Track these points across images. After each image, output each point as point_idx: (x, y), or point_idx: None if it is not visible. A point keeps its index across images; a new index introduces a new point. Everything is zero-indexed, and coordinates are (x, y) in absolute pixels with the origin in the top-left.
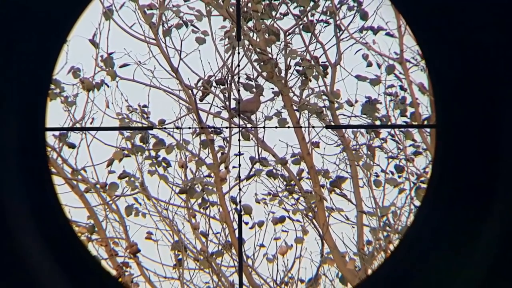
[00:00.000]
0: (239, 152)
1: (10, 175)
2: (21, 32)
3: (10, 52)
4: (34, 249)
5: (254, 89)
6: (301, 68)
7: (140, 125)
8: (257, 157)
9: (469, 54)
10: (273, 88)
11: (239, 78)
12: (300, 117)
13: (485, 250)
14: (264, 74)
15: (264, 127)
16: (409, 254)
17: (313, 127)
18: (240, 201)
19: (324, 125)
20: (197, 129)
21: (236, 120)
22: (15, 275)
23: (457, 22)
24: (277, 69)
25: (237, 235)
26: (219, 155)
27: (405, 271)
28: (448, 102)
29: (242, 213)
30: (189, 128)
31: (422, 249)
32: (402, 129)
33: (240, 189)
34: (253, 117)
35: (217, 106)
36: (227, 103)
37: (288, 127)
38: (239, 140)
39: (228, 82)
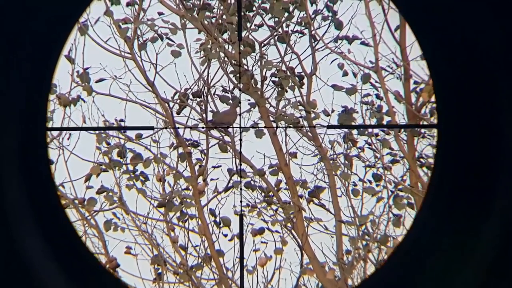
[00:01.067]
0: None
1: (10, 175)
2: (21, 32)
3: (10, 52)
4: (34, 249)
5: (230, 101)
6: (277, 79)
7: (117, 139)
8: (234, 168)
9: (470, 53)
10: (249, 100)
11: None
12: (276, 128)
13: (485, 251)
14: (240, 85)
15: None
16: (408, 255)
17: (314, 127)
18: (240, 201)
19: (326, 125)
20: (174, 142)
21: (213, 132)
22: (15, 275)
23: (458, 22)
24: (253, 80)
25: (217, 247)
26: (196, 168)
27: (404, 272)
28: (449, 102)
29: (243, 215)
30: (195, 128)
31: (422, 249)
32: (379, 138)
33: (239, 195)
34: (230, 129)
35: (194, 119)
36: (204, 115)
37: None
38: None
39: (205, 94)
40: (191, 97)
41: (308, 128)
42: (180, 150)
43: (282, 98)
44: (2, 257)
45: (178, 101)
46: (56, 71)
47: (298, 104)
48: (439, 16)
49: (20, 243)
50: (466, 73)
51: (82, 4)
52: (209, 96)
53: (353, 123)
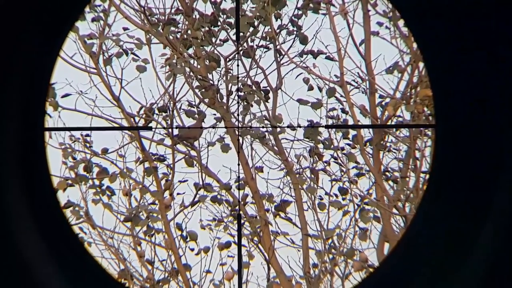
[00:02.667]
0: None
1: (9, 175)
2: (21, 31)
3: (10, 51)
4: (33, 249)
5: (196, 116)
6: (242, 94)
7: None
8: (201, 183)
9: (469, 53)
10: (215, 114)
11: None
12: (243, 142)
13: (485, 250)
14: (206, 100)
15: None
16: (407, 255)
17: (317, 126)
18: (239, 200)
19: (324, 125)
20: (140, 158)
21: (179, 147)
22: (14, 275)
23: (456, 22)
24: (218, 95)
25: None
26: (163, 182)
27: (404, 270)
28: (447, 102)
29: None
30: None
31: (421, 249)
32: (345, 152)
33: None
34: (195, 143)
35: (160, 134)
36: (170, 130)
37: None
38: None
39: (171, 109)
40: (156, 111)
41: (274, 143)
42: (146, 164)
43: (248, 113)
44: (1, 257)
45: (144, 115)
46: (54, 71)
47: (264, 118)
48: (438, 16)
49: (18, 243)
50: (464, 72)
51: (80, 4)
52: (175, 111)
53: (296, 147)
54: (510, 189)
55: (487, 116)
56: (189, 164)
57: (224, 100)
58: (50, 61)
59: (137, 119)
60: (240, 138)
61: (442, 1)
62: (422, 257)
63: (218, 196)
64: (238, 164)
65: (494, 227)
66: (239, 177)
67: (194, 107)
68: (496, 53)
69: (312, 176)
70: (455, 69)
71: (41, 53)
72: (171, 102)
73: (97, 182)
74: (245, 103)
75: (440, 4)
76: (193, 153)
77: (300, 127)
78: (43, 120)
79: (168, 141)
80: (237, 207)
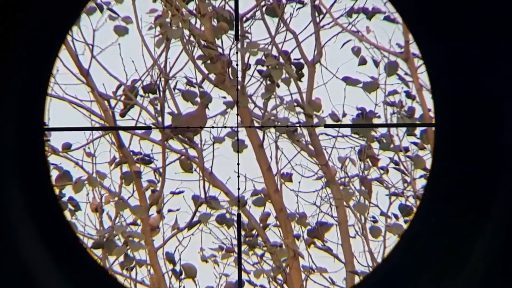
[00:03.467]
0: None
1: (8, 175)
2: (20, 31)
3: (9, 51)
4: (33, 249)
5: (197, 99)
6: (264, 69)
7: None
8: (203, 196)
9: (468, 52)
10: (224, 97)
11: (176, 83)
12: (264, 138)
13: (485, 251)
14: (212, 77)
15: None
16: (407, 255)
17: (316, 126)
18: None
19: (324, 124)
20: (117, 158)
21: (173, 143)
22: (12, 275)
23: (456, 21)
24: (230, 70)
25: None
26: (148, 193)
27: (403, 272)
28: (447, 101)
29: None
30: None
31: (421, 249)
32: (410, 155)
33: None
34: (196, 138)
35: (145, 124)
36: (159, 119)
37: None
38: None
39: (161, 89)
40: (141, 92)
41: (308, 140)
42: (125, 168)
43: (272, 96)
44: (0, 257)
45: (123, 97)
46: (53, 71)
47: (295, 104)
48: (437, 16)
49: (17, 243)
50: (464, 72)
51: (80, 2)
52: (167, 92)
53: (340, 146)
54: (510, 189)
55: (487, 116)
56: (186, 168)
57: (238, 78)
58: (49, 61)
59: (112, 102)
60: (260, 133)
61: (443, 1)
62: (422, 257)
63: (227, 215)
64: (238, 164)
65: (495, 227)
66: (239, 177)
67: (194, 87)
68: (496, 53)
69: (363, 188)
70: (455, 69)
71: (40, 53)
72: (162, 79)
73: (56, 191)
74: (269, 83)
75: (441, 4)
76: (192, 152)
77: (297, 125)
78: (43, 120)
79: (156, 135)
80: (254, 232)
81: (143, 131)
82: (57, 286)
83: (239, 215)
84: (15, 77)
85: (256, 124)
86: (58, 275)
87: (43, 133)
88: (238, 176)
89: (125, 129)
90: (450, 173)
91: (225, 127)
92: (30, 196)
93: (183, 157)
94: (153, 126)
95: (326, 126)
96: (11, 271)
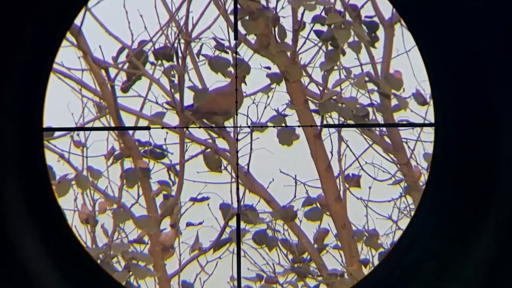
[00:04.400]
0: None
1: (8, 175)
2: (19, 31)
3: (8, 51)
4: (32, 249)
5: (230, 69)
6: (324, 29)
7: None
8: (235, 205)
9: (469, 52)
10: (269, 68)
11: (201, 47)
12: (321, 128)
13: (485, 251)
14: (252, 39)
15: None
16: (407, 255)
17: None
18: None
19: (322, 124)
20: (116, 149)
21: (194, 130)
22: (12, 275)
23: (456, 21)
24: (277, 29)
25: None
26: (159, 200)
27: (403, 272)
28: (447, 101)
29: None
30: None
31: (420, 250)
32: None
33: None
34: (227, 124)
35: (157, 103)
36: (177, 96)
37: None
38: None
39: (180, 54)
40: (152, 59)
41: (384, 130)
42: (128, 163)
43: (335, 67)
44: None
45: (127, 66)
46: (52, 71)
47: (367, 79)
48: (437, 15)
49: (17, 243)
50: (464, 71)
51: (77, 4)
52: (188, 59)
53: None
54: (510, 189)
55: (487, 116)
56: (213, 166)
57: (288, 41)
58: (48, 61)
59: (112, 72)
60: (317, 118)
61: (442, 1)
62: (422, 257)
63: (269, 232)
64: (237, 164)
65: (495, 226)
66: (237, 181)
67: (227, 52)
68: (496, 53)
69: None
70: (455, 69)
71: (39, 53)
72: (182, 41)
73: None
74: (330, 48)
75: (440, 5)
76: (221, 144)
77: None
78: (41, 120)
79: (172, 119)
80: (306, 255)
81: (152, 113)
82: (57, 286)
83: (238, 215)
84: (15, 77)
85: (311, 107)
86: (57, 275)
87: (42, 133)
88: (237, 187)
89: (122, 129)
90: (450, 173)
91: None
92: (29, 196)
93: (209, 150)
94: (169, 108)
95: (326, 126)
96: (11, 271)
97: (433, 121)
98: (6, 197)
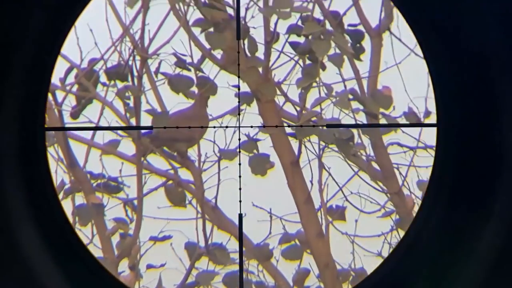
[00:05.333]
0: None
1: (9, 175)
2: (20, 31)
3: (9, 51)
4: (33, 248)
5: (194, 89)
6: (301, 41)
7: None
8: (202, 243)
9: (470, 52)
10: (238, 87)
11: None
12: (300, 150)
13: (486, 251)
14: (218, 53)
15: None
16: (408, 255)
17: (317, 125)
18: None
19: (326, 124)
20: (66, 183)
21: (153, 160)
22: (13, 274)
23: (457, 21)
24: (246, 42)
25: None
26: (115, 239)
27: (404, 272)
28: (449, 101)
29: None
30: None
31: (422, 249)
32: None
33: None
34: (192, 151)
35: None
36: (133, 120)
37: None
38: None
39: (136, 73)
40: (103, 79)
41: (371, 154)
42: (79, 198)
43: (315, 83)
44: (1, 256)
45: (76, 88)
46: (54, 71)
47: (350, 97)
48: (439, 16)
49: (18, 242)
50: (466, 72)
51: (80, 2)
52: (145, 78)
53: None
54: (511, 189)
55: (487, 116)
56: (176, 200)
57: (260, 54)
58: (50, 60)
59: (59, 96)
60: (295, 143)
61: (443, 1)
62: (423, 258)
63: (243, 275)
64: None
65: (496, 227)
66: (240, 185)
67: (189, 70)
68: (498, 53)
69: None
70: (456, 69)
71: (40, 53)
72: (137, 58)
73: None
74: (308, 63)
75: (442, 4)
76: (185, 174)
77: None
78: (43, 120)
79: (127, 147)
80: None
81: (105, 142)
82: (57, 285)
83: (240, 216)
84: (15, 77)
85: (286, 130)
86: (58, 275)
87: (43, 132)
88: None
89: (122, 128)
90: (452, 173)
91: (226, 127)
92: (30, 196)
93: (171, 181)
94: (124, 135)
95: (328, 126)
96: (12, 271)
97: (428, 143)
98: (7, 196)
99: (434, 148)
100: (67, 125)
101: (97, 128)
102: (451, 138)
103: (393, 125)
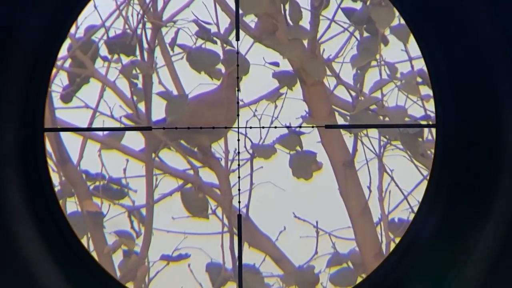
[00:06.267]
0: None
1: (8, 175)
2: (20, 32)
3: (9, 51)
4: (33, 249)
5: (220, 67)
6: (357, 7)
7: None
8: (229, 266)
9: (470, 52)
10: (277, 64)
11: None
12: (355, 148)
13: (485, 251)
14: (252, 21)
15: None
16: (408, 255)
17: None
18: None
19: (324, 125)
20: (56, 185)
21: (167, 156)
22: (12, 274)
23: (457, 21)
24: (288, 7)
25: None
26: (118, 258)
27: (404, 271)
28: (449, 101)
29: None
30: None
31: (421, 249)
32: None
33: None
34: (217, 147)
35: (113, 117)
36: (141, 106)
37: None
38: None
39: (145, 45)
40: (104, 52)
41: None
42: (72, 205)
43: (375, 62)
44: (1, 256)
45: (69, 62)
46: (53, 71)
47: (420, 80)
48: (438, 15)
49: (17, 243)
50: (465, 72)
51: (79, 4)
52: (157, 50)
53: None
54: (511, 189)
55: (487, 116)
56: (197, 209)
57: (306, 24)
58: (49, 60)
59: None
60: (348, 137)
61: (443, 1)
62: (422, 258)
63: None
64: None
65: (495, 227)
66: (239, 179)
67: (214, 42)
68: (498, 53)
69: None
70: (456, 69)
71: (40, 53)
72: (148, 26)
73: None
74: (365, 36)
75: (441, 4)
76: (208, 176)
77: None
78: (42, 121)
79: (135, 140)
80: None
81: (106, 132)
82: (57, 286)
83: (239, 216)
84: (15, 77)
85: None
86: (57, 275)
87: (43, 133)
88: (239, 176)
89: (123, 129)
90: (451, 173)
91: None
92: (30, 196)
93: (189, 185)
94: (130, 124)
95: (327, 126)
96: (11, 271)
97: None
98: (6, 197)
99: (434, 147)
100: (56, 110)
101: (102, 129)
102: (450, 139)
103: (393, 125)
